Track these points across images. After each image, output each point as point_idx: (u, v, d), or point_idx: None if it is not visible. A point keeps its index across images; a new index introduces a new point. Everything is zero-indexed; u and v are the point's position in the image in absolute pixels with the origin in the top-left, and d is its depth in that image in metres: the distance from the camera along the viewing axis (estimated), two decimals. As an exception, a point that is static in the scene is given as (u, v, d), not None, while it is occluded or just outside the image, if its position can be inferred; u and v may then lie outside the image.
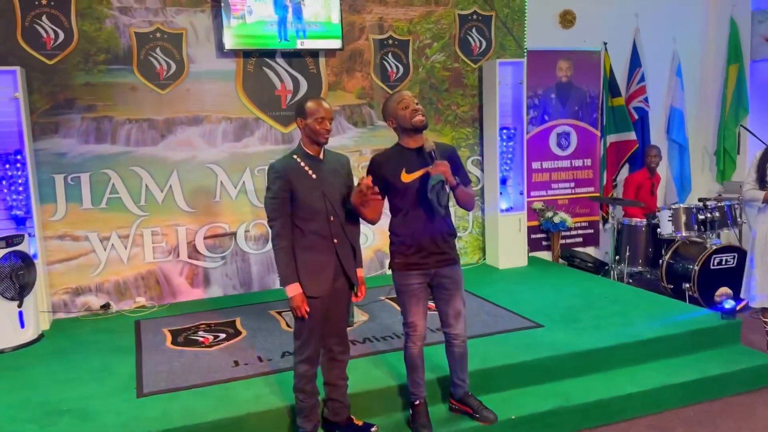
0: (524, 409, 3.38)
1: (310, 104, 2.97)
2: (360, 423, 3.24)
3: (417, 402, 3.25)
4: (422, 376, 3.25)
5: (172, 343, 4.25)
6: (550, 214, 6.40)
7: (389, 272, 5.81)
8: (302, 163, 2.98)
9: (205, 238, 5.34)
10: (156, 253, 5.20)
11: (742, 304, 4.75)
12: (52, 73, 4.84)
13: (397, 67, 5.85)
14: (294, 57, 5.47)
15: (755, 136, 5.99)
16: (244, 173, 5.39)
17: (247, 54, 5.31)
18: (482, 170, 6.21)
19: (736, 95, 6.89)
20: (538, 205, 6.52)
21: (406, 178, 3.01)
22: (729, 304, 4.31)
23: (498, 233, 6.00)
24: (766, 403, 3.73)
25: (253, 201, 5.42)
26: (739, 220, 5.64)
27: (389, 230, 3.16)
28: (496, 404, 3.36)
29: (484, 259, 6.30)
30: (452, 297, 3.14)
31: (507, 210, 6.04)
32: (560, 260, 6.53)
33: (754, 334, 4.64)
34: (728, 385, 3.82)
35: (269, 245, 5.39)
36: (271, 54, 5.38)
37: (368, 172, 3.08)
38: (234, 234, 5.42)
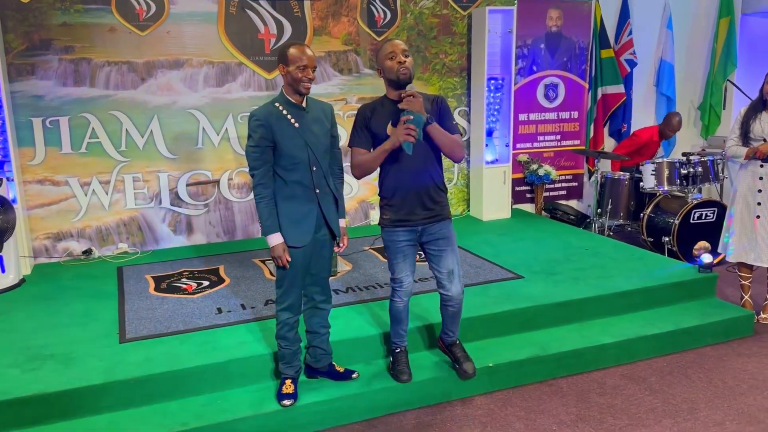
0: (502, 357, 3.46)
1: (292, 51, 2.88)
2: (341, 369, 3.29)
3: (398, 350, 3.31)
4: (405, 328, 3.30)
5: (155, 289, 4.26)
6: (535, 166, 6.41)
7: (373, 223, 5.90)
8: (284, 111, 2.92)
9: (187, 185, 5.29)
10: (138, 200, 5.16)
11: (719, 257, 4.84)
12: (27, 12, 4.67)
13: (385, 12, 5.71)
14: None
15: (741, 91, 6.01)
16: (227, 120, 5.31)
17: (229, -5, 5.16)
18: (469, 121, 6.17)
19: (725, 49, 6.85)
20: (523, 158, 6.51)
21: (391, 131, 2.95)
22: (707, 258, 4.38)
23: (482, 185, 6.01)
24: (737, 354, 3.84)
25: (236, 148, 5.35)
26: (721, 175, 5.68)
27: (378, 186, 3.13)
28: (474, 352, 3.43)
29: (468, 210, 6.33)
30: (443, 255, 3.08)
31: (492, 162, 6.03)
32: (543, 213, 6.58)
33: (729, 287, 4.75)
34: (701, 337, 3.92)
35: (252, 194, 5.40)
36: (254, -5, 5.23)
37: (355, 123, 3.03)
38: (217, 182, 5.37)
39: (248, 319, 3.71)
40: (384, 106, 3.01)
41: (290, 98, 2.94)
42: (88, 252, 5.01)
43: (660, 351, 3.80)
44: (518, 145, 6.50)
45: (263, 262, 4.81)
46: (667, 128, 6.09)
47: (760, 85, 4.10)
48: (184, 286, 4.31)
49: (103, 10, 4.83)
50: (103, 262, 4.94)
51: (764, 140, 4.01)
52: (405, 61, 2.88)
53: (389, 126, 2.95)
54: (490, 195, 6.03)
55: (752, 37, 6.98)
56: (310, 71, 2.89)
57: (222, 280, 4.42)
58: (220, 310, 3.86)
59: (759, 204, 4.09)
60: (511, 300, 3.89)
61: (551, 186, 6.68)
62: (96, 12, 4.82)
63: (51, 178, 4.89)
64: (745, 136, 4.11)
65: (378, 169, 3.05)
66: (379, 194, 3.12)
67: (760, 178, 4.08)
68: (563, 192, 6.84)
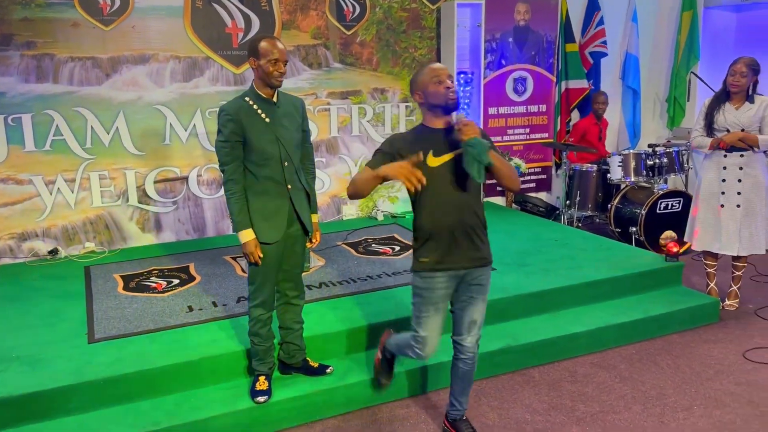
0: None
1: (263, 44, 2.85)
2: (316, 365, 3.28)
3: (392, 357, 3.08)
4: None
5: (124, 288, 4.18)
6: (505, 159, 6.45)
7: (346, 218, 5.90)
8: (255, 106, 2.89)
9: (155, 182, 5.20)
10: (104, 198, 5.06)
11: (685, 246, 4.95)
12: (-15, 6, 4.54)
13: (354, 6, 5.69)
14: (246, -7, 5.26)
15: (704, 83, 6.13)
16: (195, 115, 5.24)
17: (195, -11, 5.08)
18: (439, 115, 6.18)
19: (688, 42, 6.99)
20: (493, 151, 6.55)
21: (434, 161, 2.55)
22: (673, 247, 4.47)
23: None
24: (703, 340, 3.94)
25: (204, 144, 5.28)
26: (686, 165, 5.79)
27: (413, 224, 2.69)
28: (448, 344, 3.44)
29: (440, 203, 6.34)
30: (474, 303, 2.69)
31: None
32: (513, 205, 6.64)
33: (695, 275, 4.86)
34: (669, 324, 4.00)
35: (223, 190, 5.34)
36: (221, -11, 5.17)
37: (380, 148, 2.62)
38: (186, 178, 5.30)
39: (220, 316, 3.67)
40: (425, 135, 2.61)
41: (261, 92, 2.90)
42: (54, 252, 4.90)
43: (629, 339, 3.87)
44: (488, 139, 6.53)
45: (235, 258, 4.77)
46: (595, 104, 6.30)
47: (722, 77, 4.19)
48: (154, 284, 4.25)
49: (66, 4, 4.72)
50: (70, 261, 4.84)
51: (728, 131, 4.10)
52: (452, 86, 2.57)
53: (430, 155, 2.55)
54: (461, 188, 6.05)
55: (714, 30, 7.13)
56: (282, 65, 2.86)
57: (192, 278, 4.36)
58: (191, 308, 3.81)
59: (723, 193, 4.18)
60: (484, 292, 3.91)
61: (521, 178, 6.74)
62: (58, 7, 4.71)
63: (14, 177, 4.77)
64: (709, 127, 4.19)
65: (413, 208, 2.66)
66: (414, 234, 2.68)
67: (724, 168, 4.17)
68: (533, 184, 6.91)
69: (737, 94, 4.10)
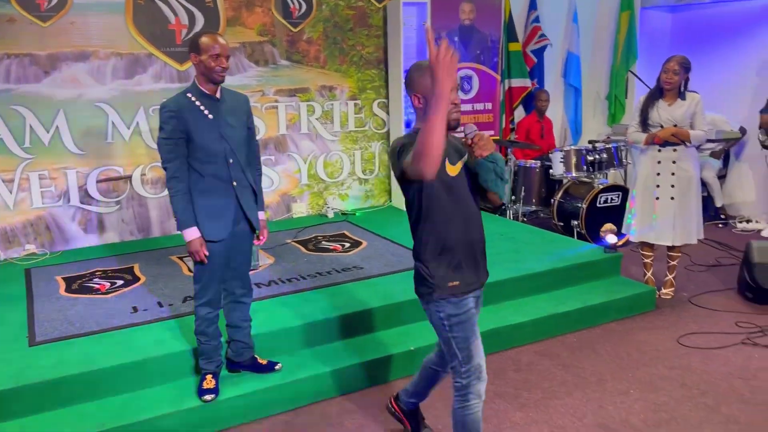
0: (422, 340, 3.54)
1: (204, 39, 2.83)
2: (264, 362, 3.29)
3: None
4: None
5: (66, 290, 4.09)
6: (452, 156, 6.55)
7: (295, 216, 5.88)
8: (197, 102, 2.87)
9: (97, 181, 5.09)
10: (45, 198, 4.92)
11: (624, 239, 5.14)
12: None
13: (300, 4, 5.68)
14: (189, -11, 5.19)
15: (642, 81, 6.37)
16: (138, 113, 5.14)
17: (137, -15, 4.99)
18: (388, 113, 6.24)
19: (627, 42, 7.24)
20: (441, 148, 6.65)
21: (453, 170, 2.29)
22: (611, 239, 4.64)
23: (402, 175, 6.09)
24: (640, 327, 4.10)
25: (148, 142, 5.19)
26: (624, 161, 6.02)
27: (421, 239, 2.35)
28: (397, 337, 3.51)
29: (391, 201, 6.41)
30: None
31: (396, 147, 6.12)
32: (462, 201, 6.74)
33: (633, 266, 5.05)
34: (608, 313, 4.16)
35: (166, 188, 5.26)
36: (164, -14, 5.08)
37: (397, 158, 2.24)
38: (129, 177, 5.20)
39: (166, 316, 3.63)
40: None
41: (203, 89, 2.88)
42: (-9, 255, 4.74)
43: (570, 328, 4.01)
44: (436, 136, 6.63)
45: (181, 258, 4.71)
46: (537, 102, 6.52)
47: (658, 74, 4.37)
48: (97, 285, 4.16)
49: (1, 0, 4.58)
50: (10, 264, 4.68)
51: (661, 126, 4.28)
52: (458, 103, 2.26)
53: (447, 164, 2.27)
54: (409, 185, 6.12)
55: (650, 29, 7.41)
56: (224, 60, 2.84)
57: (137, 279, 4.29)
58: (135, 309, 3.75)
59: (658, 186, 4.37)
60: (431, 286, 3.98)
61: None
62: (-9, 1, 4.56)
63: (-54, 178, 4.60)
64: (644, 123, 4.36)
65: (417, 224, 2.35)
66: (426, 256, 2.33)
67: (658, 162, 4.35)
68: (480, 181, 7.03)
69: (670, 91, 4.28)
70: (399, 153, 2.21)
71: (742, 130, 6.57)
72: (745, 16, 6.57)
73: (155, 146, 5.09)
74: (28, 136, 4.78)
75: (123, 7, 4.97)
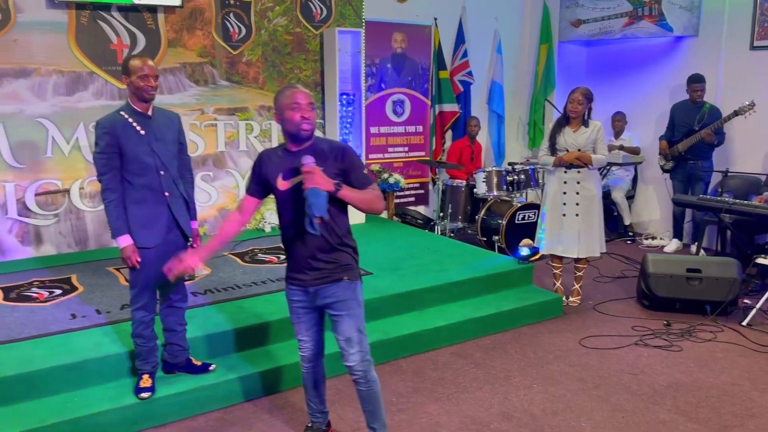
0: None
1: (133, 62, 3.09)
2: (198, 363, 3.51)
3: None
4: (312, 398, 3.05)
5: (4, 299, 4.19)
6: (386, 175, 6.93)
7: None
8: (130, 119, 3.10)
9: (36, 194, 5.19)
10: (-19, 210, 4.99)
11: (539, 252, 5.59)
12: None
13: (240, 28, 5.97)
14: (131, 11, 5.39)
15: (557, 109, 6.92)
16: (78, 128, 5.28)
17: (80, 6, 5.16)
18: (324, 132, 6.56)
19: (545, 72, 7.82)
20: (375, 167, 7.02)
21: (282, 185, 2.67)
22: (525, 251, 5.08)
23: (336, 192, 6.41)
24: (548, 331, 4.53)
25: (87, 157, 5.32)
26: (541, 181, 6.52)
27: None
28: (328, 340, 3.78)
29: (324, 216, 6.69)
30: (340, 320, 2.76)
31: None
32: (395, 218, 7.12)
33: (546, 277, 5.50)
34: (519, 318, 4.57)
35: (101, 198, 5.39)
36: (106, 7, 5.26)
37: (253, 167, 2.77)
38: (67, 191, 5.32)
39: (103, 322, 3.80)
40: (282, 156, 2.71)
41: (135, 107, 3.13)
42: (-76, 265, 4.77)
43: (485, 331, 4.39)
44: (371, 156, 7.01)
45: (118, 269, 4.86)
46: (469, 128, 7.04)
47: (564, 103, 4.86)
48: (36, 294, 4.28)
49: (-59, 14, 4.68)
50: (-58, 275, 4.73)
51: (567, 150, 4.76)
52: (309, 117, 2.60)
53: (279, 178, 2.68)
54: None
55: (567, 61, 8.03)
56: (152, 80, 3.11)
57: (75, 288, 4.42)
58: (74, 316, 3.90)
59: (564, 204, 4.84)
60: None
61: (401, 193, 7.25)
62: (-68, 16, 4.65)
63: None
64: (553, 147, 4.84)
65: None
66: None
67: (564, 182, 4.82)
68: (412, 198, 7.45)
69: (575, 119, 4.77)
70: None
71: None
72: (650, 51, 7.26)
73: (95, 161, 5.26)
74: (-34, 149, 4.86)
75: (66, 26, 5.14)
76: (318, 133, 6.54)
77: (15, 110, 5.03)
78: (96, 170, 3.07)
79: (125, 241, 3.07)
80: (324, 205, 2.54)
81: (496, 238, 5.98)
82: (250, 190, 2.80)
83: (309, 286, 2.74)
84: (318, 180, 2.51)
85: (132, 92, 3.10)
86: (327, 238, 2.68)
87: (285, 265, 2.86)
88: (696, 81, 6.23)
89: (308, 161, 2.52)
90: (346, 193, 2.60)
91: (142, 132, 3.11)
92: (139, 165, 3.08)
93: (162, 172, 3.15)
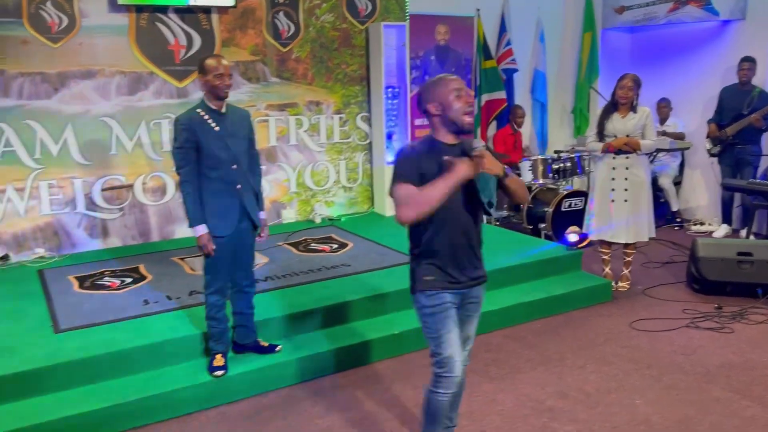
0: (408, 324, 3.98)
1: (209, 61, 3.29)
2: (266, 344, 3.72)
3: None
4: (444, 418, 2.75)
5: (80, 287, 4.47)
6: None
7: (285, 221, 6.32)
8: (206, 116, 3.31)
9: (102, 190, 5.48)
10: (53, 205, 5.30)
11: (587, 239, 5.65)
12: (-66, 23, 4.74)
13: (289, 26, 6.16)
14: (186, 13, 5.63)
15: (602, 96, 6.93)
16: (140, 127, 5.55)
17: (139, 9, 5.42)
18: (370, 125, 6.72)
19: (589, 60, 7.83)
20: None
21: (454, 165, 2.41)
22: (573, 237, 5.15)
23: (385, 184, 6.57)
24: (598, 315, 4.61)
25: (149, 154, 5.60)
26: (587, 168, 6.56)
27: (412, 242, 2.62)
28: (383, 325, 3.96)
29: (373, 207, 6.88)
30: (470, 321, 2.71)
31: (392, 162, 6.60)
32: (439, 207, 7.23)
33: (595, 263, 5.56)
34: (569, 302, 4.66)
35: (167, 197, 5.68)
36: (163, 9, 5.51)
37: (397, 167, 2.52)
38: (131, 186, 5.60)
39: (175, 307, 4.04)
40: (435, 149, 2.48)
41: (210, 105, 3.33)
42: (5, 257, 5.10)
43: (535, 315, 4.50)
44: (415, 147, 7.12)
45: (182, 259, 5.11)
46: (514, 117, 7.08)
47: (613, 90, 4.90)
48: (108, 283, 4.55)
49: (16, 23, 4.97)
50: (22, 266, 5.05)
51: (615, 136, 4.80)
52: (472, 109, 2.44)
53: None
54: (391, 192, 6.60)
55: (610, 48, 8.02)
56: (227, 78, 3.30)
57: (144, 277, 4.69)
58: (147, 302, 4.15)
59: (613, 190, 4.89)
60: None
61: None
62: (8, 25, 4.95)
63: (-37, 187, 4.96)
64: (601, 134, 4.89)
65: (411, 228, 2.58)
66: (414, 251, 2.62)
67: (613, 168, 4.87)
68: (456, 189, 7.53)
69: (624, 105, 4.81)
70: (393, 176, 2.51)
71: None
72: (695, 36, 7.20)
73: (156, 157, 5.55)
74: (39, 148, 5.17)
75: (126, 29, 5.41)
76: (365, 126, 6.77)
77: (82, 110, 5.32)
78: (174, 164, 3.29)
79: (201, 230, 3.28)
80: (494, 189, 2.49)
81: (543, 225, 6.06)
82: (414, 183, 2.44)
83: (464, 288, 2.59)
84: (490, 164, 2.38)
85: (208, 90, 3.29)
86: (479, 235, 2.60)
87: (413, 268, 2.60)
88: (745, 60, 6.20)
89: (478, 144, 2.41)
90: (513, 178, 2.53)
91: (217, 128, 3.30)
92: (213, 159, 3.28)
93: (234, 166, 3.34)
